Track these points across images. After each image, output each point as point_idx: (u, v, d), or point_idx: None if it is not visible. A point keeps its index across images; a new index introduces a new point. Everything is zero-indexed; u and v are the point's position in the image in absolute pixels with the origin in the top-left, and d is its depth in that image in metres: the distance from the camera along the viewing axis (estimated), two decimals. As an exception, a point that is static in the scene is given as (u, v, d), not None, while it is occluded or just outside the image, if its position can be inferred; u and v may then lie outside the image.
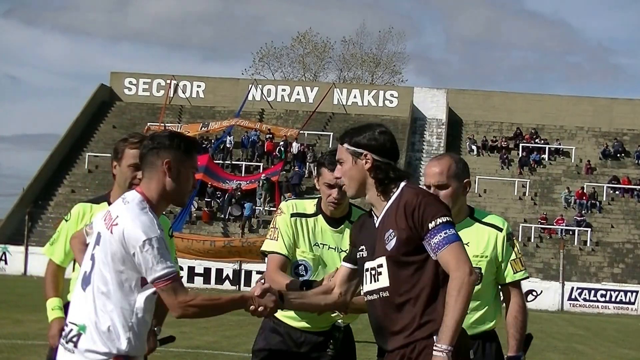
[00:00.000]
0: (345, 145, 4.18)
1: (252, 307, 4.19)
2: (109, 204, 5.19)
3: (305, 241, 5.10)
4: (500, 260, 5.00)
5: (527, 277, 5.17)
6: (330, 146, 51.03)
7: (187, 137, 4.34)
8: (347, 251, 4.52)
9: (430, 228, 3.98)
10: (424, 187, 4.59)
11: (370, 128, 4.19)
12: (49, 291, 5.34)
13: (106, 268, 4.01)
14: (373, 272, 4.15)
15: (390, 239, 4.08)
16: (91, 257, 4.11)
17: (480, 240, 4.97)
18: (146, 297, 4.05)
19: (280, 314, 5.09)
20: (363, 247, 4.24)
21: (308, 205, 5.18)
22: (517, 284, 5.06)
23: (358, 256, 4.26)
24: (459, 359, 4.00)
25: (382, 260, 4.10)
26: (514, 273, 5.02)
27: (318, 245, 5.11)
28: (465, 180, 4.95)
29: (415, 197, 4.06)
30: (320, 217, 5.13)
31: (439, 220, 3.99)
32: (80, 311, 4.07)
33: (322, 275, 4.97)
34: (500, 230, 5.01)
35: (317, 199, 5.21)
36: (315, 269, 5.11)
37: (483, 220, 5.03)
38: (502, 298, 5.17)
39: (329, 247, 5.11)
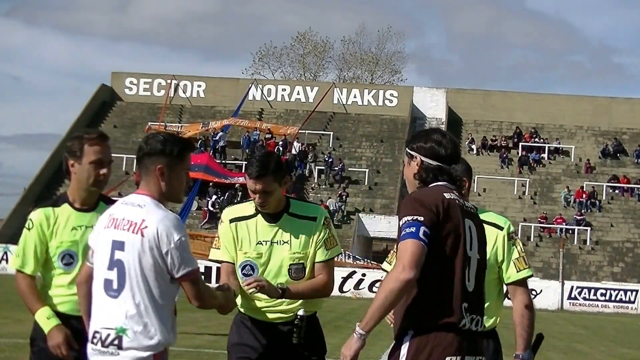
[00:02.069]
0: (406, 148, 4.44)
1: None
2: (72, 205, 5.16)
3: (247, 242, 5.32)
4: (501, 259, 5.05)
5: (532, 276, 5.20)
6: (330, 145, 51.12)
7: (180, 140, 4.49)
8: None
9: (400, 226, 4.13)
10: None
11: (427, 133, 4.40)
12: (34, 304, 5.08)
13: (139, 269, 4.23)
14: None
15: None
16: (115, 263, 4.28)
17: None
18: (173, 291, 4.33)
19: (244, 308, 5.37)
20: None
21: (247, 207, 5.39)
22: (522, 283, 5.09)
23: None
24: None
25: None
26: (518, 272, 5.07)
27: (261, 243, 5.30)
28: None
29: (407, 196, 4.26)
30: (259, 216, 5.34)
31: (405, 219, 4.11)
32: (112, 315, 4.27)
33: (268, 272, 5.23)
34: (501, 229, 5.07)
35: None
36: (260, 266, 5.30)
37: (483, 219, 5.01)
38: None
39: (271, 242, 5.30)
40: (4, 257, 40.14)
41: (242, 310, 5.42)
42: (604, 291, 37.78)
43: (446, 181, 4.28)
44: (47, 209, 5.18)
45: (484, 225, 4.93)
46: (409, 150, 4.38)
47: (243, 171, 48.80)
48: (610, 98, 54.23)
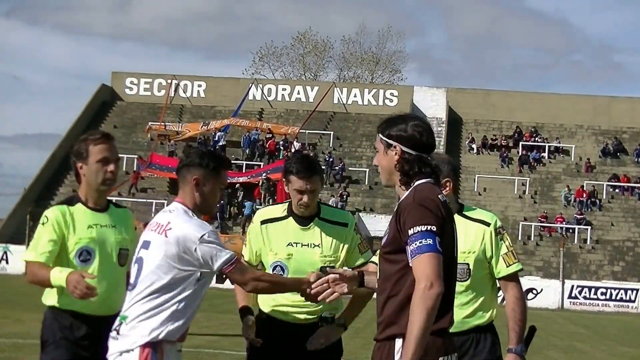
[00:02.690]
0: (380, 135, 4.21)
1: (308, 291, 4.67)
2: (85, 204, 5.23)
3: (278, 243, 5.39)
4: (490, 255, 5.08)
5: (522, 269, 5.22)
6: (330, 145, 51.11)
7: (218, 156, 4.80)
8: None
9: (410, 234, 3.94)
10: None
11: (404, 120, 4.18)
12: (45, 272, 4.98)
13: (158, 267, 4.53)
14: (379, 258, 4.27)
15: (387, 233, 4.13)
16: (137, 260, 4.65)
17: (467, 237, 5.05)
18: (193, 290, 4.57)
19: (268, 308, 5.40)
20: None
21: (279, 209, 5.49)
22: (512, 277, 5.12)
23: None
24: None
25: (379, 251, 4.23)
26: (507, 266, 5.09)
27: (292, 245, 5.38)
28: (444, 179, 4.97)
29: (409, 199, 4.06)
30: (290, 218, 5.43)
31: (418, 229, 3.93)
32: (125, 305, 4.63)
33: (298, 273, 5.21)
34: (488, 225, 5.10)
35: (287, 203, 5.50)
36: (291, 267, 5.36)
37: (471, 216, 5.13)
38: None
39: (302, 245, 5.37)
40: (4, 257, 40.16)
41: (264, 310, 5.44)
42: (604, 290, 37.76)
43: (430, 176, 4.14)
44: (62, 206, 5.22)
45: (471, 222, 5.05)
46: (386, 139, 4.16)
47: (244, 171, 48.95)
48: (610, 97, 54.23)
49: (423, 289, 3.85)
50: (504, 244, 5.10)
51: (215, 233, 4.55)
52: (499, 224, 5.16)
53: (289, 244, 5.37)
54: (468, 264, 5.02)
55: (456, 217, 4.80)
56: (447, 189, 5.04)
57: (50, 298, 5.19)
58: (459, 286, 4.77)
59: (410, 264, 3.95)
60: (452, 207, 4.73)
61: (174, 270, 4.51)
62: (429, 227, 3.93)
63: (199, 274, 4.55)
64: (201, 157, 4.69)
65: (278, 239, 5.39)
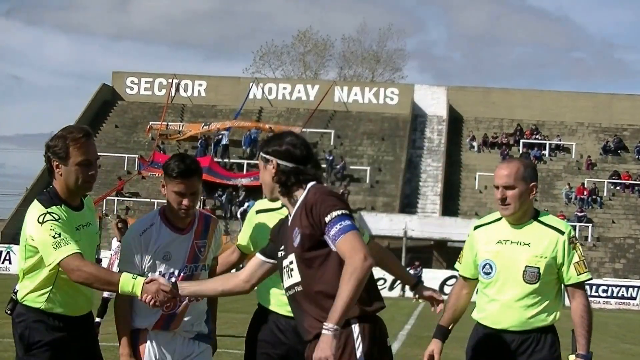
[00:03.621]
0: (259, 153, 4.60)
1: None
2: (69, 206, 4.98)
3: (267, 233, 5.33)
4: (561, 262, 5.23)
5: (591, 279, 5.41)
6: (331, 143, 51.15)
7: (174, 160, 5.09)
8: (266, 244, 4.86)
9: (327, 222, 4.24)
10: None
11: (280, 137, 4.54)
12: (108, 273, 4.94)
13: None
14: (287, 269, 4.46)
15: (296, 237, 4.36)
16: None
17: (540, 241, 5.20)
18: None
19: (265, 302, 5.42)
20: (282, 246, 4.54)
21: (276, 202, 5.44)
22: (580, 286, 5.33)
23: (278, 255, 4.57)
24: (375, 345, 4.28)
25: (292, 257, 4.40)
26: (578, 275, 5.27)
27: None
28: (532, 184, 5.20)
29: (314, 195, 4.35)
30: (284, 209, 5.35)
31: (334, 214, 4.24)
32: None
33: None
34: (562, 233, 5.23)
35: None
36: None
37: (546, 222, 5.27)
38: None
39: None
40: (7, 257, 40.23)
41: (263, 304, 5.47)
42: (605, 288, 37.81)
43: (313, 181, 4.46)
44: (57, 206, 4.94)
45: (546, 228, 5.24)
46: (264, 155, 4.52)
47: (244, 171, 48.97)
48: (611, 94, 54.24)
49: (360, 260, 4.12)
50: (576, 253, 5.24)
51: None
52: (572, 233, 5.30)
53: None
54: (538, 268, 5.18)
55: (531, 222, 5.19)
56: (534, 192, 5.23)
57: (31, 299, 4.98)
58: (527, 288, 5.14)
59: (334, 248, 4.24)
60: (529, 211, 5.17)
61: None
62: (342, 211, 4.25)
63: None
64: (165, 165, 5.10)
65: (268, 229, 5.33)
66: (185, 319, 5.17)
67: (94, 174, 5.02)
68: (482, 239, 5.31)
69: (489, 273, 5.24)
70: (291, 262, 4.40)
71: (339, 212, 4.23)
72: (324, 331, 4.09)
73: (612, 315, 32.11)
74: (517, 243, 5.19)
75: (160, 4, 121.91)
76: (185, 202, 5.04)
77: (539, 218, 5.28)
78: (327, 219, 4.22)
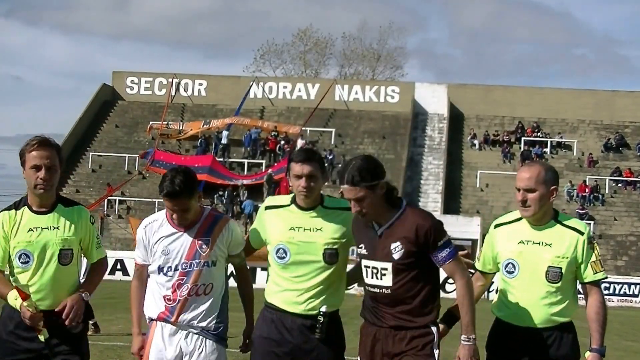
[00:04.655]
0: (358, 186, 5.28)
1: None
2: (30, 208, 5.54)
3: (281, 228, 5.56)
4: (580, 261, 5.44)
5: (606, 277, 5.61)
6: (332, 142, 51.11)
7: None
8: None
9: (438, 246, 5.18)
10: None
11: (363, 164, 5.35)
12: (3, 288, 5.46)
13: None
14: (375, 271, 5.24)
15: (398, 250, 5.16)
16: None
17: (562, 242, 5.42)
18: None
19: (273, 299, 5.56)
20: (362, 245, 5.34)
21: (284, 199, 5.70)
22: (597, 284, 5.52)
23: (358, 251, 5.32)
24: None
25: (388, 265, 5.18)
26: (594, 273, 5.47)
27: (294, 229, 5.56)
28: (552, 187, 5.43)
29: (426, 222, 5.19)
30: (293, 206, 5.63)
31: (444, 240, 5.21)
32: None
33: (301, 256, 5.46)
34: (582, 233, 5.47)
35: (293, 194, 5.71)
36: (293, 250, 5.52)
37: (566, 223, 5.51)
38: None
39: (304, 229, 5.55)
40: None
41: (270, 302, 5.58)
42: (607, 285, 37.71)
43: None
44: (10, 211, 5.55)
45: (565, 229, 5.49)
46: (366, 184, 5.31)
47: (245, 171, 48.96)
48: (612, 91, 54.17)
49: (468, 282, 5.31)
50: (594, 252, 5.49)
51: None
52: (591, 233, 5.54)
53: (291, 228, 5.55)
54: (560, 268, 5.42)
55: (552, 223, 5.45)
56: (554, 195, 5.44)
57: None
58: (551, 287, 5.41)
59: (440, 266, 5.26)
60: (548, 213, 5.46)
61: None
62: (448, 238, 5.32)
63: None
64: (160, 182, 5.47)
65: (280, 224, 5.56)
66: (186, 314, 5.38)
67: (45, 179, 5.46)
68: (503, 237, 5.51)
69: (512, 272, 5.45)
70: (384, 269, 5.21)
71: (446, 238, 5.22)
72: (465, 342, 5.19)
73: (614, 313, 32.04)
74: (539, 244, 5.40)
75: (160, 4, 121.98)
76: (175, 216, 5.45)
77: (559, 219, 5.49)
78: (439, 243, 5.18)
